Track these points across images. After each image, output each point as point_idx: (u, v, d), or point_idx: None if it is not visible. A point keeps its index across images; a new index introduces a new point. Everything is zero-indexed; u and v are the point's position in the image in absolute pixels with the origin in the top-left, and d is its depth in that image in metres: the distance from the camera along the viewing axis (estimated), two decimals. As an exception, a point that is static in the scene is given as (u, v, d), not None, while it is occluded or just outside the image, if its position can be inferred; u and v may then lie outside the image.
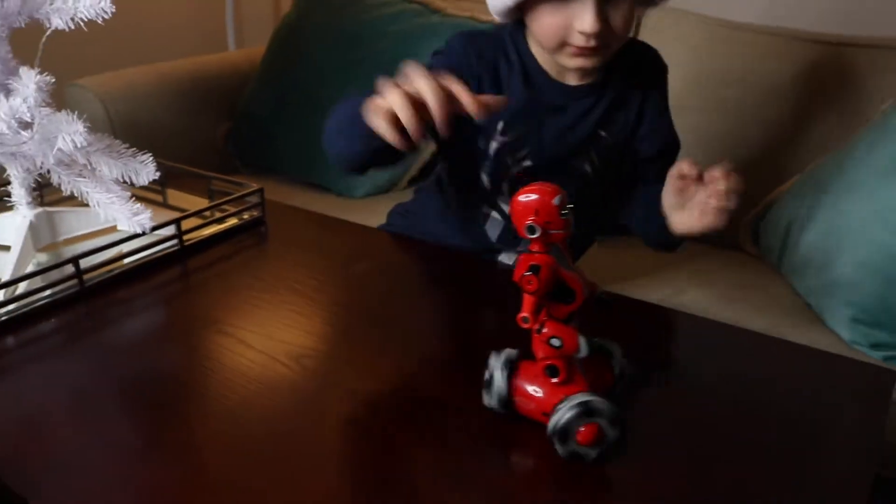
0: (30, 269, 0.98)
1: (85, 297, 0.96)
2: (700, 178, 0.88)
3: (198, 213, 1.15)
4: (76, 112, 0.89)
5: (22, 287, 0.93)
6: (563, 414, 0.65)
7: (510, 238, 1.11)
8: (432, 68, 0.93)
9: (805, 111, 1.49)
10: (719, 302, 1.26)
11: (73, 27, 0.92)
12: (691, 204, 0.89)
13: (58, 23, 0.92)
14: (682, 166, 0.88)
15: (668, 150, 1.10)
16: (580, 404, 0.65)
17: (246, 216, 1.21)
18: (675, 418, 0.75)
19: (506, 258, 1.14)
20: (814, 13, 1.79)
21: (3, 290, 0.91)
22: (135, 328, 0.92)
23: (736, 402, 0.77)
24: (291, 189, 1.80)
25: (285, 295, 0.97)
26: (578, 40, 0.91)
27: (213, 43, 2.47)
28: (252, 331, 0.88)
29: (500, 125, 1.02)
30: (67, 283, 0.96)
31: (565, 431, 0.65)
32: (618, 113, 1.05)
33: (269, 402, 0.75)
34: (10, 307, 0.90)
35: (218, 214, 1.19)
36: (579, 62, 0.95)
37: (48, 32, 0.90)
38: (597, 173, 1.06)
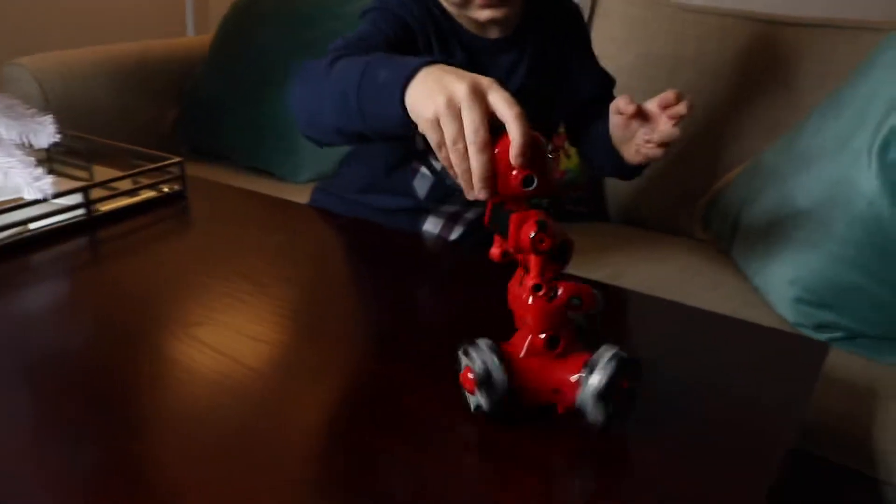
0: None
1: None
2: (639, 113, 0.90)
3: (107, 183, 1.10)
4: (9, 91, 0.85)
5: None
6: (604, 372, 0.58)
7: (439, 195, 1.07)
8: (375, 26, 0.92)
9: (757, 93, 1.44)
10: (662, 285, 1.21)
11: None
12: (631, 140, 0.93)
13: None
14: (618, 103, 0.89)
15: (605, 87, 1.12)
16: (617, 358, 0.59)
17: (166, 189, 1.16)
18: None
19: (431, 225, 1.11)
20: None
21: None
22: (34, 297, 0.87)
23: (672, 375, 0.73)
24: (237, 174, 1.75)
25: (196, 266, 0.93)
26: None
27: (173, 29, 2.43)
28: (155, 302, 0.84)
29: None
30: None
31: (609, 389, 0.58)
32: (542, 63, 1.05)
33: (176, 376, 0.70)
34: None
35: (134, 186, 1.14)
36: (488, 13, 0.94)
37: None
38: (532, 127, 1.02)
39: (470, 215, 1.11)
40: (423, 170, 1.06)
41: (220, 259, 0.95)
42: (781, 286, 1.13)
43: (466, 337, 0.62)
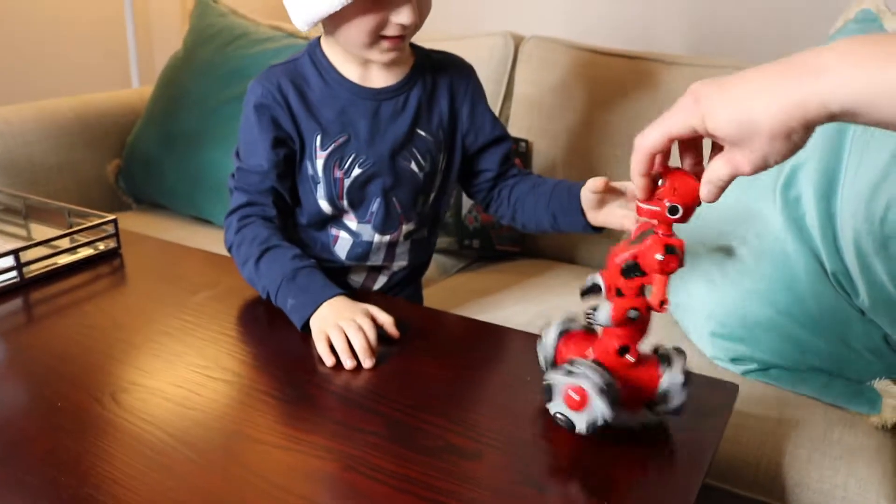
0: None
1: None
2: (610, 188, 0.97)
3: (43, 244, 1.13)
4: None
5: None
6: (679, 364, 0.75)
7: (359, 253, 1.11)
8: (256, 142, 1.04)
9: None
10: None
11: None
12: (610, 209, 1.00)
13: None
14: (595, 184, 0.96)
15: (499, 141, 1.15)
16: (682, 353, 0.77)
17: (101, 246, 1.19)
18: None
19: (355, 277, 1.16)
20: (677, 38, 1.85)
21: None
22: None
23: None
24: (179, 223, 1.78)
25: (126, 326, 0.96)
26: (394, 31, 0.97)
27: (117, 81, 2.45)
28: (73, 363, 0.87)
29: (318, 140, 1.04)
30: None
31: (687, 377, 0.74)
32: (429, 111, 1.09)
33: (79, 445, 0.72)
34: None
35: (69, 244, 1.16)
36: (392, 54, 1.00)
37: None
38: (424, 172, 1.09)
39: (394, 267, 1.15)
40: (343, 234, 1.10)
41: (151, 318, 0.97)
42: (699, 321, 1.18)
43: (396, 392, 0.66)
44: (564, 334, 0.79)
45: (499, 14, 2.09)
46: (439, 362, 0.89)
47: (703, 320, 1.17)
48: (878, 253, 1.01)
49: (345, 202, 1.07)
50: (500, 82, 1.71)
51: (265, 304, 1.00)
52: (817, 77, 0.54)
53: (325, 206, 1.07)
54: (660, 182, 0.68)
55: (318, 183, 1.06)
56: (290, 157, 1.05)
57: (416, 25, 0.98)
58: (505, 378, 0.86)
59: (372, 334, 0.89)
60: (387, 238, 1.11)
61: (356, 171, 1.05)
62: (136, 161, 1.85)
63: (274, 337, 0.94)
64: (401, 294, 1.19)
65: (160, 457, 0.70)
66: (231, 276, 1.07)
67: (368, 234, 1.10)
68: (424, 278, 1.26)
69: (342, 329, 0.89)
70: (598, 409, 0.69)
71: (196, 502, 0.65)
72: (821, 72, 0.54)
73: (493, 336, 0.97)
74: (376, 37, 0.97)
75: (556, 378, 0.71)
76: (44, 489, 0.65)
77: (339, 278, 1.13)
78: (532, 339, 0.92)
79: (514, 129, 1.66)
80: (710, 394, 0.84)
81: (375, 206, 1.08)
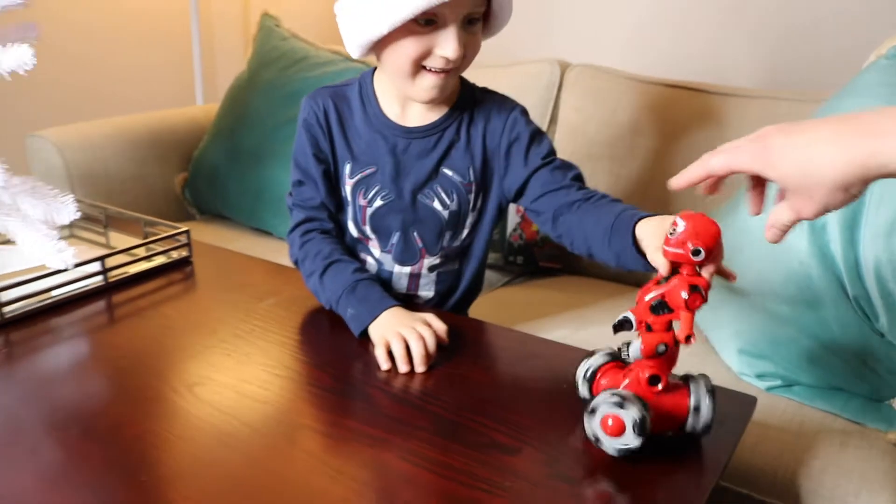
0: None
1: (4, 328, 1.04)
2: None
3: (123, 251, 1.24)
4: (34, 161, 0.95)
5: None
6: (705, 389, 0.81)
7: (383, 280, 1.16)
8: (303, 174, 1.14)
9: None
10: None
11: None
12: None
13: (-18, 73, 1.00)
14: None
15: (538, 169, 1.11)
16: (704, 378, 0.83)
17: (175, 255, 1.30)
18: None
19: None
20: (714, 68, 1.92)
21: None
22: (55, 358, 0.99)
23: None
24: (241, 234, 1.89)
25: (200, 328, 1.07)
26: (438, 63, 1.00)
27: (182, 98, 2.59)
28: (156, 359, 0.98)
29: (348, 167, 1.12)
30: (-13, 314, 1.05)
31: (714, 401, 0.80)
32: (461, 150, 1.11)
33: (164, 429, 0.82)
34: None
35: (147, 253, 1.27)
36: (433, 92, 1.03)
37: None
38: (450, 211, 1.12)
39: (420, 298, 1.21)
40: (369, 259, 1.19)
41: (223, 321, 1.07)
42: (727, 338, 1.25)
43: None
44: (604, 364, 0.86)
45: (560, 45, 2.18)
46: (485, 368, 0.97)
47: (732, 338, 1.24)
48: (896, 280, 1.08)
49: (367, 228, 1.14)
50: (545, 108, 1.80)
51: (325, 312, 1.09)
52: (879, 139, 0.60)
53: (352, 228, 1.16)
54: (681, 226, 0.75)
55: (348, 205, 1.15)
56: (329, 175, 1.14)
57: (459, 65, 1.01)
58: (543, 385, 0.94)
59: (431, 342, 0.96)
60: (406, 269, 1.17)
61: (378, 203, 1.12)
62: (202, 174, 1.98)
63: (334, 342, 1.03)
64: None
65: (232, 440, 0.80)
66: (292, 285, 1.17)
67: (389, 263, 1.17)
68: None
69: (402, 336, 0.95)
70: (631, 441, 0.75)
71: (261, 476, 0.74)
72: (882, 135, 0.60)
73: (534, 346, 1.05)
74: (419, 66, 1.00)
75: (602, 405, 0.77)
76: (138, 466, 0.75)
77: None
78: (569, 350, 1.01)
79: (558, 154, 1.74)
80: (731, 405, 0.90)
81: (395, 238, 1.14)
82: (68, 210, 1.09)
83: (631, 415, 0.75)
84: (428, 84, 1.02)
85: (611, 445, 0.77)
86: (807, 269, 1.16)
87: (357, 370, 0.96)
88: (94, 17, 2.33)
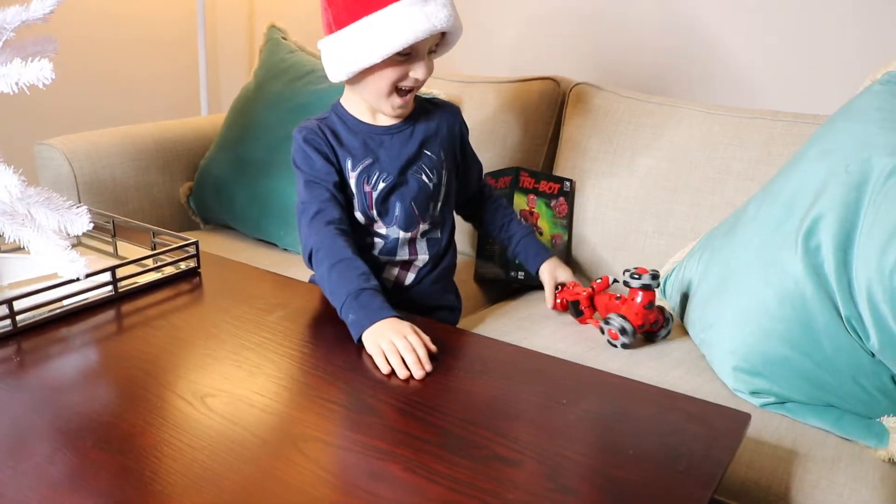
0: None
1: (17, 337, 1.07)
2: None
3: (133, 262, 1.26)
4: (42, 168, 0.98)
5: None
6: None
7: (389, 248, 1.35)
8: (313, 176, 1.28)
9: (708, 175, 1.61)
10: (607, 351, 1.36)
11: (16, 91, 1.02)
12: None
13: (3, 87, 1.02)
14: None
15: (477, 165, 1.52)
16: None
17: (183, 266, 1.32)
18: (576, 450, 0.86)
19: (389, 274, 1.38)
20: (717, 87, 1.95)
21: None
22: (66, 367, 1.01)
23: (609, 440, 0.89)
24: (246, 244, 1.91)
25: (209, 339, 1.09)
26: (409, 84, 1.26)
27: (187, 108, 2.62)
28: (168, 369, 1.00)
29: (349, 163, 1.31)
30: (1, 324, 1.07)
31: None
32: (431, 137, 1.37)
33: (176, 439, 0.85)
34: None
35: (156, 263, 1.30)
36: (401, 110, 1.31)
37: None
38: (433, 183, 1.37)
39: (418, 262, 1.40)
40: (377, 239, 1.35)
41: (232, 334, 1.10)
42: (722, 355, 1.28)
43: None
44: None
45: (563, 63, 2.22)
46: (489, 382, 1.00)
47: (727, 355, 1.27)
48: (887, 301, 1.10)
49: (374, 212, 1.32)
50: (548, 124, 1.83)
51: (332, 324, 1.12)
52: None
53: (359, 216, 1.31)
54: None
55: (354, 197, 1.29)
56: (336, 181, 1.29)
57: (422, 84, 1.28)
58: (544, 399, 0.97)
59: (421, 349, 1.05)
60: (408, 235, 1.35)
61: (381, 185, 1.31)
62: (207, 184, 2.00)
63: (341, 355, 1.06)
64: (434, 288, 1.42)
65: (243, 450, 0.83)
66: (300, 297, 1.20)
67: (395, 232, 1.34)
68: (475, 305, 1.45)
69: (393, 343, 1.04)
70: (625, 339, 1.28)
71: (271, 486, 0.77)
72: None
73: (535, 360, 1.08)
74: (394, 88, 1.26)
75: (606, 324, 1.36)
76: (152, 475, 0.78)
77: (378, 274, 1.32)
78: (568, 365, 1.04)
79: (560, 169, 1.78)
80: (726, 421, 0.93)
81: (398, 210, 1.33)
82: (82, 221, 1.11)
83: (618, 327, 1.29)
84: (398, 103, 1.29)
85: (618, 343, 1.37)
86: (801, 289, 1.19)
87: (364, 383, 0.99)
88: (102, 28, 2.37)
